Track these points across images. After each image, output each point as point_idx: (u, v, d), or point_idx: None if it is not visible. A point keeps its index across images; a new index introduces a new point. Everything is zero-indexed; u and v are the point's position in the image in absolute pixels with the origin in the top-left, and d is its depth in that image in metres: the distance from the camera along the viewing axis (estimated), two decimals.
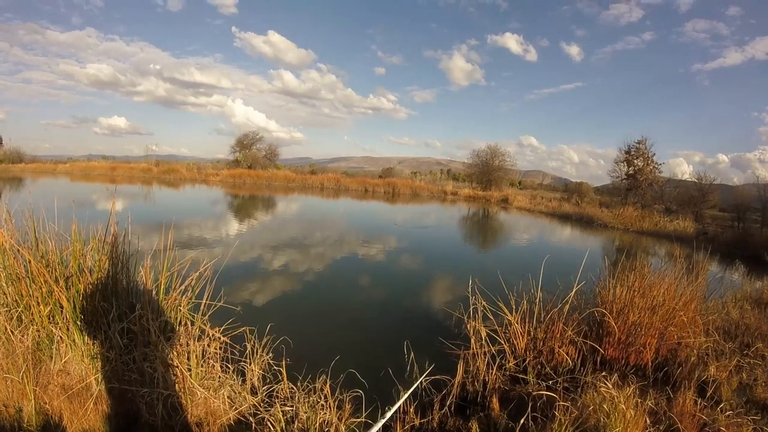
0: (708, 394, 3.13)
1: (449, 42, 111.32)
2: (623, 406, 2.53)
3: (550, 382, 3.32)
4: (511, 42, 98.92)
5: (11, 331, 2.83)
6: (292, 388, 2.91)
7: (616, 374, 3.24)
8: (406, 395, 2.27)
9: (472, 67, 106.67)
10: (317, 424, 2.66)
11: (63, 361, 2.82)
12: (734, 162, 77.01)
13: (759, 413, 2.94)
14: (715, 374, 3.44)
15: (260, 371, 3.08)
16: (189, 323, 3.14)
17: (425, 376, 2.93)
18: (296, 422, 2.68)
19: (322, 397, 2.78)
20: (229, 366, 3.01)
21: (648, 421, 2.60)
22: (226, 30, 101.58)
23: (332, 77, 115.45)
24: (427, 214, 22.31)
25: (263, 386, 2.98)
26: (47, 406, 2.59)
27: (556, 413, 2.56)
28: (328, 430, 2.67)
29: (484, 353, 3.52)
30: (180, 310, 3.22)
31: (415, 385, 2.43)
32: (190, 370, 2.82)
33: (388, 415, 1.79)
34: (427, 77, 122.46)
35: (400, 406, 2.11)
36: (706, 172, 27.29)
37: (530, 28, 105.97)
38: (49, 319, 2.94)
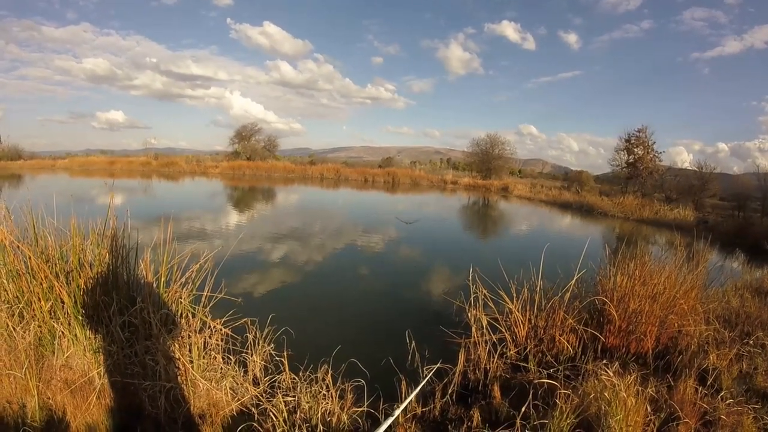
0: (708, 383, 3.13)
1: (446, 31, 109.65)
2: (624, 394, 2.53)
3: (551, 370, 3.33)
4: (509, 30, 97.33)
5: (13, 328, 2.83)
6: (294, 379, 2.92)
7: (617, 362, 3.24)
8: (411, 397, 2.27)
9: (470, 56, 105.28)
10: (319, 413, 2.67)
11: (65, 356, 2.83)
12: (734, 151, 76.39)
13: (759, 401, 2.94)
14: (716, 363, 3.44)
15: (262, 362, 3.09)
16: (190, 315, 3.14)
17: (431, 375, 2.94)
18: (298, 412, 2.69)
19: (324, 387, 2.79)
20: (231, 357, 3.02)
21: (649, 409, 2.61)
22: (221, 22, 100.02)
23: (329, 67, 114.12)
24: (426, 203, 22.28)
25: (265, 377, 3.00)
26: (50, 401, 2.59)
27: (557, 401, 2.56)
28: (330, 419, 2.68)
29: (485, 342, 3.53)
30: (181, 302, 3.22)
31: (422, 384, 2.43)
32: (191, 362, 2.82)
33: (391, 418, 1.78)
34: (425, 67, 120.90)
35: (403, 398, 2.11)
36: (706, 161, 27.26)
37: (528, 16, 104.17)
38: (50, 314, 2.94)
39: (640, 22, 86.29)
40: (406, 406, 2.86)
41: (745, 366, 3.55)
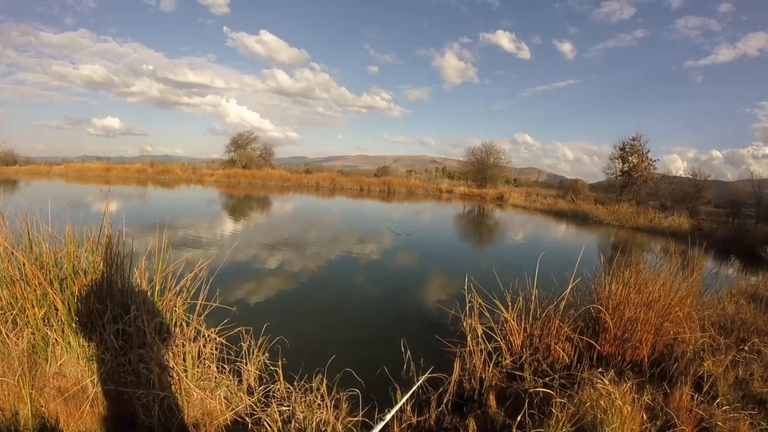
0: (704, 390, 3.14)
1: (441, 40, 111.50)
2: (620, 402, 2.53)
3: (547, 378, 3.32)
4: (504, 40, 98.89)
5: (6, 335, 2.81)
6: (289, 388, 2.90)
7: (612, 370, 3.25)
8: (405, 398, 2.26)
9: (465, 65, 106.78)
10: (314, 423, 2.65)
11: (59, 363, 2.80)
12: (728, 158, 77.56)
13: (755, 408, 2.95)
14: (712, 369, 3.45)
15: (256, 371, 3.07)
16: (184, 324, 3.12)
17: (423, 379, 2.92)
18: (293, 422, 2.68)
19: (319, 397, 2.77)
20: (225, 366, 3.00)
21: (645, 417, 2.61)
22: (218, 30, 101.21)
23: (325, 76, 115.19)
24: (422, 212, 22.30)
25: (259, 386, 2.98)
26: (44, 409, 2.57)
27: (553, 410, 2.56)
28: (325, 429, 2.66)
29: (481, 350, 3.52)
30: (175, 310, 3.21)
31: (414, 389, 2.42)
32: (186, 371, 2.80)
33: (387, 418, 1.78)
34: (421, 75, 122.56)
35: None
36: (701, 168, 27.58)
37: (523, 26, 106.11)
38: (44, 321, 2.92)
39: (634, 31, 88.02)
40: (400, 415, 2.86)
41: (741, 372, 3.56)
